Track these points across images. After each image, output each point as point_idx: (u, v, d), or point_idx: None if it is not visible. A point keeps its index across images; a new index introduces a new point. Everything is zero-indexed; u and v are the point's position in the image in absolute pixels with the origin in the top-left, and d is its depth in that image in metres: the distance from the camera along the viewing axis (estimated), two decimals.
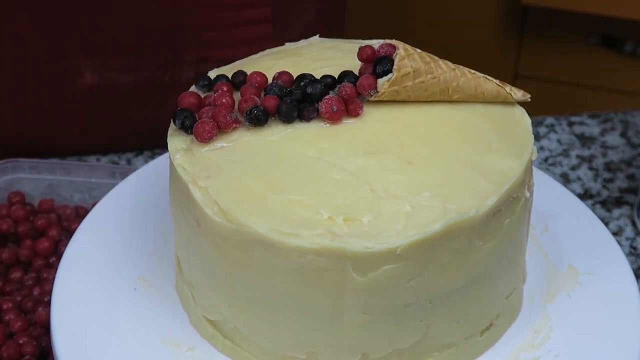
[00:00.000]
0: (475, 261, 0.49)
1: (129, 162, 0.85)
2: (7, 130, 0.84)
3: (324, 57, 0.56)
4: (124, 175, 0.72)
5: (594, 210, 0.77)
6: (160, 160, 0.66)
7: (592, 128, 0.91)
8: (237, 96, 0.53)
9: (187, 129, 0.52)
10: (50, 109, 0.83)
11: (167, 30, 0.80)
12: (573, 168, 0.85)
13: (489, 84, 0.55)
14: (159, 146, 0.86)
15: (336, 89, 0.53)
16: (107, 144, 0.86)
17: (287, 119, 0.52)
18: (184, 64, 0.82)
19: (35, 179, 0.76)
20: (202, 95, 0.54)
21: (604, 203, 0.80)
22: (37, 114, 0.83)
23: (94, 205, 0.63)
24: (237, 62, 0.59)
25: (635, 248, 0.75)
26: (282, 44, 0.61)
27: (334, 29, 0.92)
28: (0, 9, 0.76)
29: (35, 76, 0.81)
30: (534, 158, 0.53)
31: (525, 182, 0.52)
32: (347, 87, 0.53)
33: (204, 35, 0.80)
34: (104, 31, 0.79)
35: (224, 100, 0.52)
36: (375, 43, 0.55)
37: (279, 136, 0.52)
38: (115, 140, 0.86)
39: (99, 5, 0.77)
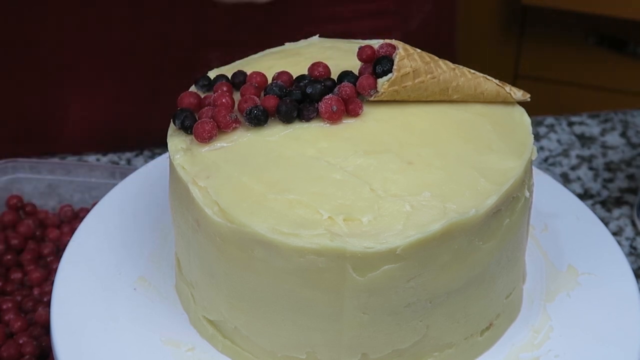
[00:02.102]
0: (475, 261, 0.49)
1: (129, 162, 0.85)
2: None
3: (324, 57, 0.56)
4: (124, 175, 0.72)
5: (594, 210, 0.77)
6: (160, 160, 0.66)
7: (592, 128, 0.91)
8: (237, 96, 0.53)
9: (187, 129, 0.52)
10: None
11: (287, 24, 0.81)
12: (573, 168, 0.85)
13: (489, 83, 0.55)
14: (159, 146, 0.86)
15: (336, 89, 0.53)
16: None
17: (287, 119, 0.52)
18: None
19: (35, 179, 0.76)
20: (202, 95, 0.54)
21: (604, 203, 0.80)
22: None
23: (94, 205, 0.63)
24: (237, 62, 0.59)
25: (635, 248, 0.75)
26: (282, 43, 0.61)
27: (446, 21, 0.94)
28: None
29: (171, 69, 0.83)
30: (534, 158, 0.53)
31: (525, 182, 0.52)
32: (346, 87, 0.53)
33: (331, 27, 0.81)
34: (229, 23, 0.81)
35: (223, 100, 0.52)
36: (375, 43, 0.55)
37: (278, 136, 0.52)
38: None
39: None
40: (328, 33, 0.80)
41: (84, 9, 0.83)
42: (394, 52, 0.53)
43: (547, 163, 0.85)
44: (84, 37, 0.84)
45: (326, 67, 0.54)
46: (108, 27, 0.83)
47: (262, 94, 0.54)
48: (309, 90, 0.53)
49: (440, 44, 0.95)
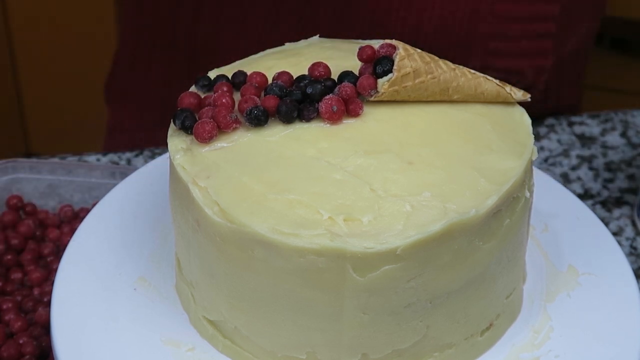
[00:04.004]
0: (475, 261, 0.49)
1: (129, 162, 0.85)
2: None
3: (324, 57, 0.56)
4: (124, 175, 0.72)
5: (594, 210, 0.77)
6: (160, 160, 0.66)
7: (592, 128, 0.91)
8: (237, 96, 0.53)
9: (187, 129, 0.52)
10: None
11: (459, 37, 0.82)
12: (573, 168, 0.85)
13: (489, 84, 0.55)
14: (159, 146, 0.86)
15: (336, 89, 0.53)
16: None
17: (287, 119, 0.52)
18: None
19: (35, 179, 0.76)
20: (202, 96, 0.54)
21: (604, 203, 0.80)
22: None
23: (94, 205, 0.63)
24: (237, 62, 0.59)
25: (635, 248, 0.75)
26: (282, 44, 0.61)
27: (593, 45, 0.97)
28: None
29: None
30: (534, 158, 0.53)
31: (525, 182, 0.52)
32: (347, 87, 0.53)
33: (491, 45, 0.82)
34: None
35: (224, 100, 0.52)
36: (375, 43, 0.55)
37: (279, 136, 0.52)
38: None
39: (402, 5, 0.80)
40: (490, 50, 0.81)
41: None
42: (394, 52, 0.53)
43: (547, 163, 0.85)
44: None
45: (326, 67, 0.54)
46: None
47: (262, 94, 0.54)
48: (309, 90, 0.53)
49: (580, 65, 0.96)
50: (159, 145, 0.86)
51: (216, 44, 0.86)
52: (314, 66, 0.54)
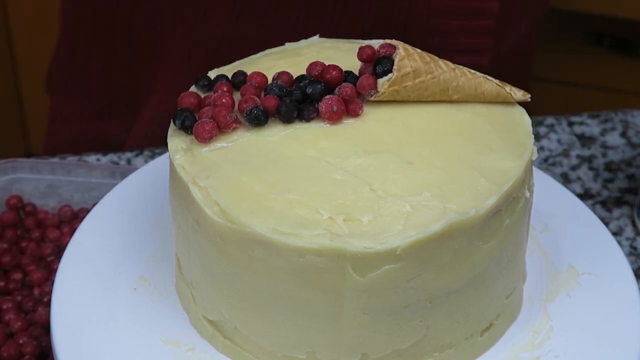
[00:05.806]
0: (475, 261, 0.49)
1: (129, 162, 0.85)
2: None
3: (324, 57, 0.56)
4: (124, 175, 0.72)
5: (594, 210, 0.77)
6: (160, 160, 0.66)
7: (592, 128, 0.91)
8: (237, 96, 0.53)
9: (187, 129, 0.52)
10: None
11: (396, 31, 0.82)
12: (573, 168, 0.85)
13: (489, 84, 0.55)
14: (159, 146, 0.86)
15: (336, 89, 0.53)
16: None
17: (287, 119, 0.52)
18: None
19: (35, 179, 0.76)
20: (202, 95, 0.54)
21: (604, 203, 0.80)
22: None
23: (94, 205, 0.63)
24: (237, 62, 0.59)
25: (635, 248, 0.75)
26: (283, 44, 0.61)
27: (539, 39, 0.95)
28: None
29: None
30: (534, 158, 0.53)
31: (525, 182, 0.52)
32: (347, 87, 0.53)
33: (429, 40, 0.81)
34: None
35: (224, 100, 0.52)
36: (375, 43, 0.55)
37: (278, 136, 0.52)
38: None
39: None
40: (427, 45, 0.81)
41: None
42: (394, 52, 0.53)
43: (547, 163, 0.85)
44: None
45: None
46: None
47: (262, 94, 0.54)
48: (309, 90, 0.53)
49: (524, 64, 0.95)
50: (100, 137, 0.87)
51: (154, 35, 0.86)
52: (312, 66, 0.54)
